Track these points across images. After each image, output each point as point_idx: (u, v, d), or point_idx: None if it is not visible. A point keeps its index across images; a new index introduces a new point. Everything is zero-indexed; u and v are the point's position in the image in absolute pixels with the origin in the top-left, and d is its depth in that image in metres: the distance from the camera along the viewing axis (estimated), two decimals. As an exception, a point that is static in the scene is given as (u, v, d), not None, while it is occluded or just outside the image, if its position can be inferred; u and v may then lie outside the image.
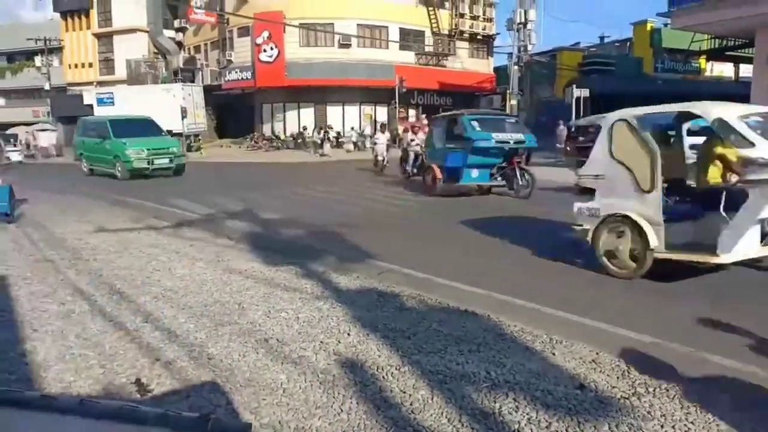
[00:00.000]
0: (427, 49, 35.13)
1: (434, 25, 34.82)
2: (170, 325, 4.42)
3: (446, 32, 35.39)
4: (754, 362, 3.55)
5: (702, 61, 41.03)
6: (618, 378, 3.44)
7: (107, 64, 43.50)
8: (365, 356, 3.80)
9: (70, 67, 45.49)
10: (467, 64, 36.92)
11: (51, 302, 5.03)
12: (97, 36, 43.57)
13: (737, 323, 4.47)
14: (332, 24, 31.56)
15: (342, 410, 3.08)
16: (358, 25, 32.17)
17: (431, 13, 34.54)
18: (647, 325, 4.32)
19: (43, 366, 3.70)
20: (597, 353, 3.78)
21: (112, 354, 3.89)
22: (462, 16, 35.63)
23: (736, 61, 35.70)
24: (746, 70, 32.30)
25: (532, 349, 3.89)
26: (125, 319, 4.58)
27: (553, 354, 3.81)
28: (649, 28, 39.47)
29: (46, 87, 45.01)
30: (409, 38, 34.35)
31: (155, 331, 4.30)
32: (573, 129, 21.02)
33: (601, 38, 47.70)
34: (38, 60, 47.10)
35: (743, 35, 24.82)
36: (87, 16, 43.59)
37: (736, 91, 31.95)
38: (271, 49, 32.06)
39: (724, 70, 42.84)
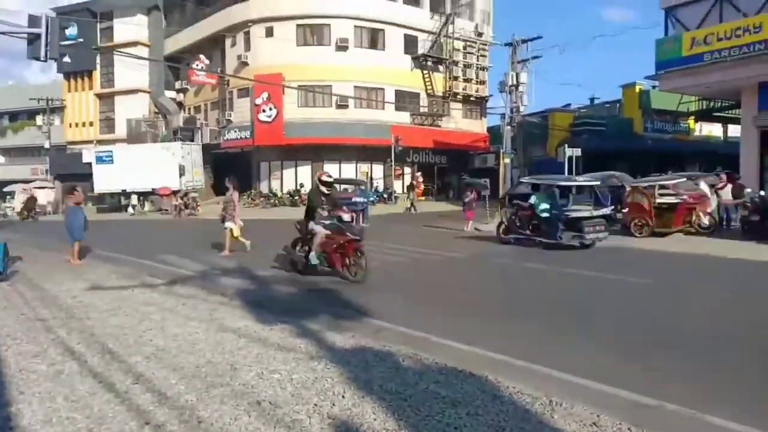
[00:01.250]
0: (422, 109, 35.97)
1: (429, 88, 35.79)
2: (161, 387, 4.32)
3: (440, 94, 36.35)
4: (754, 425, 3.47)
5: (691, 121, 42.00)
6: (619, 442, 3.35)
7: (108, 123, 44.30)
8: (360, 420, 3.71)
9: (70, 126, 46.29)
10: (461, 124, 37.73)
11: (40, 362, 4.93)
12: (99, 96, 44.56)
13: (743, 388, 4.41)
14: (330, 86, 32.40)
15: (336, 477, 2.98)
16: (355, 87, 33.04)
17: (426, 76, 35.57)
18: (647, 385, 4.24)
19: (28, 430, 3.59)
20: (597, 415, 3.70)
21: (101, 417, 3.78)
22: (456, 79, 36.68)
23: (724, 121, 36.61)
24: (734, 130, 33.11)
25: (532, 412, 3.81)
26: (115, 380, 4.48)
27: (553, 417, 3.72)
28: (637, 90, 40.55)
29: (46, 145, 45.64)
30: (405, 99, 35.22)
31: (145, 393, 4.20)
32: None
33: (591, 99, 48.90)
34: (39, 119, 47.93)
35: (730, 97, 25.57)
36: (90, 77, 44.72)
37: (725, 151, 32.63)
38: (270, 109, 32.76)
39: (713, 130, 43.79)
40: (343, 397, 4.10)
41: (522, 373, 4.53)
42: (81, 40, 35.75)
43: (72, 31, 32.53)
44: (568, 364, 4.76)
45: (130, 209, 32.09)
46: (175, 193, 29.84)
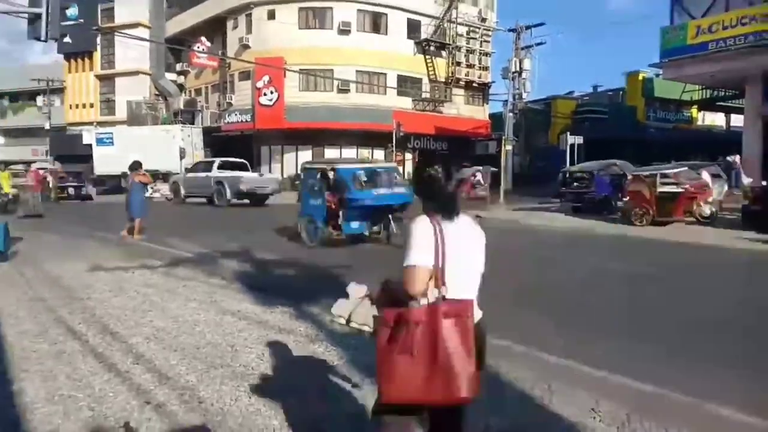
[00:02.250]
0: (424, 95, 35.80)
1: (431, 73, 35.57)
2: (161, 367, 4.34)
3: (443, 80, 36.14)
4: (753, 413, 3.48)
5: (694, 110, 41.85)
6: (618, 428, 3.38)
7: (108, 105, 44.12)
8: (363, 401, 3.73)
9: (71, 108, 46.08)
10: (463, 110, 37.55)
11: (42, 341, 4.95)
12: (100, 78, 44.33)
13: (746, 375, 4.43)
14: (332, 70, 32.23)
15: (336, 458, 3.00)
16: (357, 71, 32.85)
17: (428, 61, 35.34)
18: (646, 373, 4.26)
19: (30, 408, 3.61)
20: (596, 401, 3.72)
21: (102, 396, 3.80)
22: (458, 64, 36.46)
23: (727, 111, 36.48)
24: (737, 120, 32.97)
25: (531, 396, 3.83)
26: (116, 360, 4.51)
27: (552, 402, 3.75)
28: (641, 78, 40.34)
29: (46, 126, 45.47)
30: (407, 85, 35.05)
31: (146, 373, 4.22)
32: (567, 175, 21.30)
33: (595, 87, 48.70)
34: (40, 100, 47.70)
35: (733, 86, 25.43)
36: (90, 58, 44.44)
37: (727, 141, 32.56)
38: (271, 92, 32.60)
39: (715, 119, 43.64)
40: (343, 379, 4.13)
41: (522, 359, 4.54)
42: (82, 20, 35.37)
43: (73, 11, 32.07)
44: (570, 351, 4.77)
45: None
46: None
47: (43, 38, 13.64)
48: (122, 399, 3.76)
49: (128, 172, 13.00)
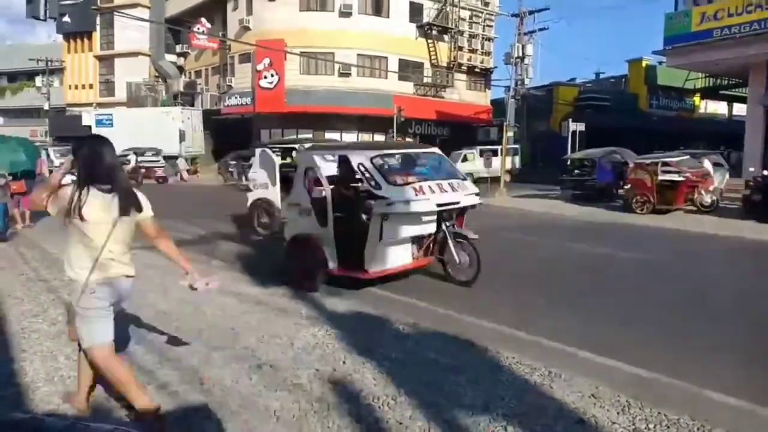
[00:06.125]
0: (425, 80, 35.56)
1: (433, 57, 35.33)
2: (163, 349, 4.34)
3: (445, 64, 35.89)
4: (753, 399, 3.50)
5: (696, 98, 41.61)
6: (618, 413, 3.38)
7: (107, 86, 43.83)
8: (361, 385, 3.74)
9: (70, 88, 45.79)
10: (465, 96, 37.34)
11: (41, 322, 4.95)
12: (99, 58, 43.99)
13: (740, 362, 4.43)
14: (333, 53, 31.98)
15: (337, 440, 3.01)
16: (358, 55, 32.60)
17: (430, 45, 35.08)
18: (646, 359, 4.27)
19: (31, 387, 3.62)
20: (596, 387, 3.72)
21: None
22: (461, 49, 36.18)
23: (730, 99, 36.31)
24: (740, 109, 32.81)
25: (531, 382, 3.83)
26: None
27: (552, 387, 3.75)
28: (644, 65, 40.06)
29: (45, 107, 45.23)
30: (408, 69, 34.79)
31: (147, 354, 4.22)
32: (569, 162, 21.23)
33: (597, 74, 48.38)
34: (39, 80, 47.41)
35: (737, 75, 25.29)
36: (90, 38, 44.07)
37: (729, 130, 32.44)
38: (272, 75, 32.38)
39: (718, 108, 43.43)
40: (343, 362, 4.13)
41: (522, 345, 4.55)
42: (80, -1, 35.11)
43: (71, -10, 31.93)
44: (569, 337, 4.78)
45: None
46: None
47: (41, 17, 13.53)
48: (123, 379, 3.75)
49: None
